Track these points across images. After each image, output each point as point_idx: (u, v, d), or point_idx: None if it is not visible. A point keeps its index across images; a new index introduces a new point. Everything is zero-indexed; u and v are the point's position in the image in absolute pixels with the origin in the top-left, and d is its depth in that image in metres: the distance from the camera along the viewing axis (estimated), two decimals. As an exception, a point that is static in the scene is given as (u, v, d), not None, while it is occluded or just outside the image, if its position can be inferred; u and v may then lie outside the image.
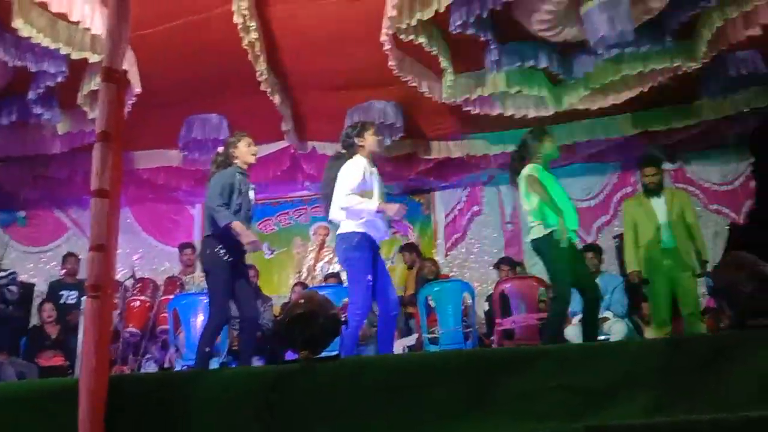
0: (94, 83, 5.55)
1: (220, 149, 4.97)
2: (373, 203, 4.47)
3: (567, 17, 5.30)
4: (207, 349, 4.57)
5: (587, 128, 7.48)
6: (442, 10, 4.95)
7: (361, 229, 4.46)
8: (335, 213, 4.60)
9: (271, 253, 9.02)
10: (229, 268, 4.60)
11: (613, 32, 4.98)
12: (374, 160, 4.74)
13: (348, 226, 4.51)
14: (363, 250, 4.45)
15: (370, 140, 4.66)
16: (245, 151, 4.81)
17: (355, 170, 4.51)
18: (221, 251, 4.55)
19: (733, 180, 8.43)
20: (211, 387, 3.15)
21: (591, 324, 4.89)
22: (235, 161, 4.80)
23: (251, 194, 4.85)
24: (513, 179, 5.18)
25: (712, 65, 6.19)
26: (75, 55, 5.27)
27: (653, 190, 5.78)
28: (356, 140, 4.66)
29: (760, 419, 2.68)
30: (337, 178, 4.58)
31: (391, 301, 4.58)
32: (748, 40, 5.61)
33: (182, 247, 7.98)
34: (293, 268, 9.12)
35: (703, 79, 6.58)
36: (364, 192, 4.50)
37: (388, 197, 4.94)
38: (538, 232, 4.81)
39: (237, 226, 4.49)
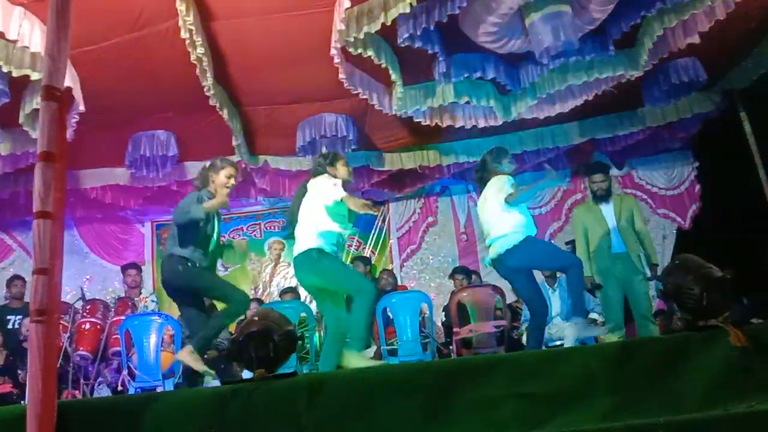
0: (36, 102, 5.39)
1: (207, 164, 4.95)
2: (340, 191, 4.39)
3: (512, 29, 5.38)
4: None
5: (536, 137, 7.62)
6: (389, 23, 4.96)
7: (315, 244, 4.44)
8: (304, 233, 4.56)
9: (225, 270, 8.96)
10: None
11: (557, 43, 5.09)
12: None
13: (304, 243, 4.47)
14: (328, 255, 4.45)
15: (342, 170, 4.66)
16: (222, 182, 4.81)
17: (331, 180, 4.51)
18: (190, 263, 4.58)
19: (679, 184, 8.67)
20: (164, 409, 3.06)
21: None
22: (211, 185, 4.81)
23: (216, 223, 4.86)
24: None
25: (654, 73, 6.38)
26: (16, 73, 5.12)
27: (602, 197, 5.87)
28: (328, 169, 4.64)
29: (715, 419, 2.73)
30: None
31: None
32: (688, 47, 5.78)
33: (125, 268, 7.79)
34: (248, 284, 9.01)
35: (646, 87, 6.76)
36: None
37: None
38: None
39: (205, 205, 4.52)
